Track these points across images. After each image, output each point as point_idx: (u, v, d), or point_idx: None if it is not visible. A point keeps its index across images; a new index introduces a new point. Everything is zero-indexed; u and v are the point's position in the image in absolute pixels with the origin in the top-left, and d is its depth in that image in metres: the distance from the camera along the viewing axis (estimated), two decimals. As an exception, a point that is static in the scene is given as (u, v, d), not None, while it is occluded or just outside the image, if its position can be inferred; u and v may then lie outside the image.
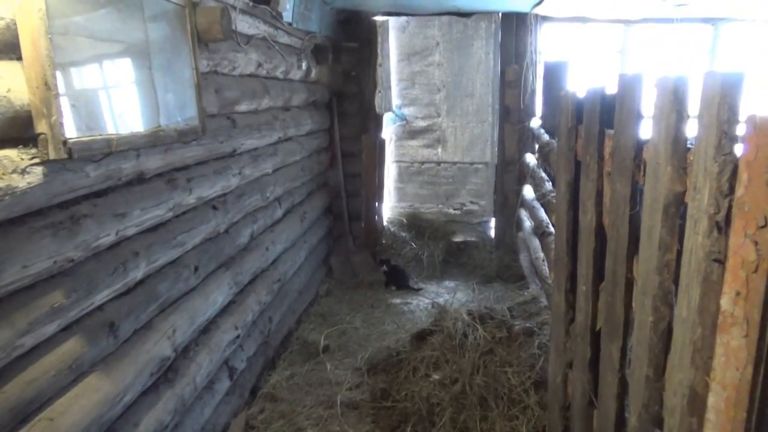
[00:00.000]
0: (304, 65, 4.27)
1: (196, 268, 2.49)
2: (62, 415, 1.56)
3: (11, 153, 1.44)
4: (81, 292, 1.68)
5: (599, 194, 1.99)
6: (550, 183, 3.67)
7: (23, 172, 1.46)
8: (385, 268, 5.03)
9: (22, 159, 1.47)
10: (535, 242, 4.09)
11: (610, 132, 1.85)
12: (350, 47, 5.30)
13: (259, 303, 3.24)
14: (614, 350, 1.81)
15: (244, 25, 3.06)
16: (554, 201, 2.92)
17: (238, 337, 2.89)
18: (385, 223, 5.70)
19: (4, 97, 1.43)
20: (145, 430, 1.97)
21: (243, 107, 3.16)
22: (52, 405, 1.55)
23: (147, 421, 2.00)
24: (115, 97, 2.11)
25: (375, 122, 5.39)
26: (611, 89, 1.84)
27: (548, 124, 4.09)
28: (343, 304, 4.54)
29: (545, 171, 3.92)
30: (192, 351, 2.43)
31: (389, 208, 5.99)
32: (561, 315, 2.37)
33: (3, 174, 1.39)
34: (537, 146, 4.43)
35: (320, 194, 5.04)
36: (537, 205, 4.09)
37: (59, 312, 1.58)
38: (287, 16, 3.67)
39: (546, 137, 3.89)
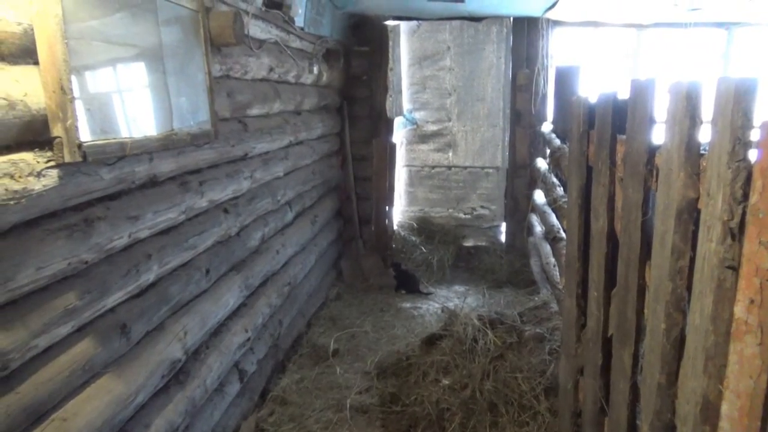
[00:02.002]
0: (315, 69, 4.29)
1: (207, 271, 2.51)
2: (75, 416, 1.58)
3: (27, 156, 1.46)
4: (94, 294, 1.70)
5: (611, 200, 1.98)
6: (562, 188, 3.65)
7: (39, 174, 1.48)
8: (394, 272, 5.03)
9: (38, 162, 1.49)
10: (546, 247, 4.07)
11: (622, 137, 1.84)
12: (361, 51, 5.32)
13: (270, 306, 3.25)
14: (626, 357, 1.80)
15: (257, 29, 3.08)
16: (565, 206, 2.90)
17: (248, 339, 2.90)
18: (395, 227, 5.70)
19: (21, 101, 1.45)
20: (156, 431, 1.99)
21: (255, 111, 3.18)
22: (65, 405, 1.57)
23: (158, 423, 2.01)
24: (129, 101, 2.14)
25: (386, 126, 5.40)
26: (623, 94, 1.84)
27: (560, 129, 4.08)
28: (353, 307, 4.54)
29: (556, 176, 3.91)
30: (203, 353, 2.44)
31: (399, 212, 5.98)
32: (572, 321, 2.35)
33: (19, 177, 1.41)
34: (548, 151, 4.41)
35: (331, 198, 5.05)
36: (548, 210, 4.07)
37: (73, 313, 1.60)
38: (299, 21, 3.69)
39: (557, 142, 3.87)
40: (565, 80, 4.11)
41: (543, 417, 2.55)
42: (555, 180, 3.87)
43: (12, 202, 1.38)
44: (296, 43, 3.88)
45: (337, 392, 3.16)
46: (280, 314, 3.49)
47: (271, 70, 3.38)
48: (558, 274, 3.45)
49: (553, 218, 3.81)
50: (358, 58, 5.33)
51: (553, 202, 3.71)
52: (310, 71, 4.22)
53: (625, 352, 1.80)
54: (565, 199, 2.97)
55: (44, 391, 1.48)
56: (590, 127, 2.21)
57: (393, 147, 5.47)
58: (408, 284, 4.93)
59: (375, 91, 5.36)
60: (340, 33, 4.87)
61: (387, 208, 5.47)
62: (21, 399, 1.40)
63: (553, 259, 3.75)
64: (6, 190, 1.36)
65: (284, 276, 3.58)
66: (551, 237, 3.69)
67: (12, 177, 1.39)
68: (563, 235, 3.38)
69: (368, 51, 5.32)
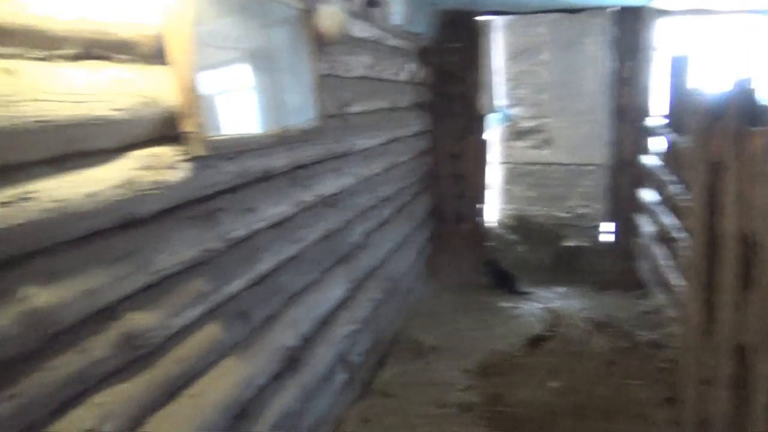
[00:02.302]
0: (411, 67, 4.31)
1: (315, 263, 2.59)
2: (205, 393, 1.67)
3: (164, 150, 1.57)
4: (220, 281, 1.80)
5: (742, 197, 1.83)
6: (677, 185, 3.40)
7: (174, 167, 1.58)
8: (491, 270, 4.94)
9: (173, 155, 1.59)
10: (658, 248, 3.81)
11: (755, 130, 1.69)
12: (455, 48, 5.26)
13: (372, 300, 3.31)
14: (766, 366, 1.64)
15: (358, 28, 3.14)
16: (683, 204, 2.71)
17: (353, 331, 2.97)
18: (491, 225, 5.60)
19: (156, 99, 1.55)
20: (272, 414, 2.07)
21: (355, 108, 3.24)
22: (195, 383, 1.66)
23: (274, 406, 2.09)
24: (244, 99, 2.24)
25: (479, 123, 5.32)
26: (754, 85, 1.69)
27: (674, 123, 3.81)
28: (450, 305, 4.50)
29: (670, 172, 3.65)
30: (313, 342, 2.51)
31: (496, 210, 5.87)
32: (696, 327, 2.19)
33: (159, 168, 1.51)
34: (658, 146, 4.15)
35: (426, 195, 5.05)
36: (660, 208, 3.82)
37: (202, 297, 1.70)
38: (396, 19, 3.73)
39: (672, 137, 3.62)
40: (680, 72, 3.85)
41: (662, 428, 2.38)
42: (669, 177, 3.62)
43: (153, 192, 1.48)
44: (393, 41, 3.92)
45: (438, 388, 3.15)
46: (381, 308, 3.53)
47: (370, 67, 3.44)
48: (673, 276, 3.22)
49: (667, 217, 3.57)
50: (452, 55, 5.27)
51: (666, 200, 3.47)
52: (407, 69, 4.25)
53: (765, 361, 1.64)
54: (683, 197, 2.77)
55: (178, 368, 1.58)
56: (713, 121, 2.05)
57: (487, 144, 5.37)
58: (505, 283, 4.83)
59: (468, 88, 5.28)
60: (435, 30, 4.87)
61: (481, 205, 5.38)
62: (159, 375, 1.50)
63: (666, 261, 3.50)
64: (148, 180, 1.47)
65: (384, 271, 3.63)
66: (664, 237, 3.45)
67: (153, 169, 1.49)
68: (679, 234, 3.15)
69: (462, 47, 5.25)
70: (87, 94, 1.30)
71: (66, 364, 1.24)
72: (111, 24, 1.40)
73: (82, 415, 1.28)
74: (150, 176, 1.48)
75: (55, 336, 1.22)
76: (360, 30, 3.20)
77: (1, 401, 1.10)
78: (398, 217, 4.11)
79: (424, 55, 4.79)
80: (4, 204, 1.11)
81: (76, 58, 1.32)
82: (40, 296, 1.17)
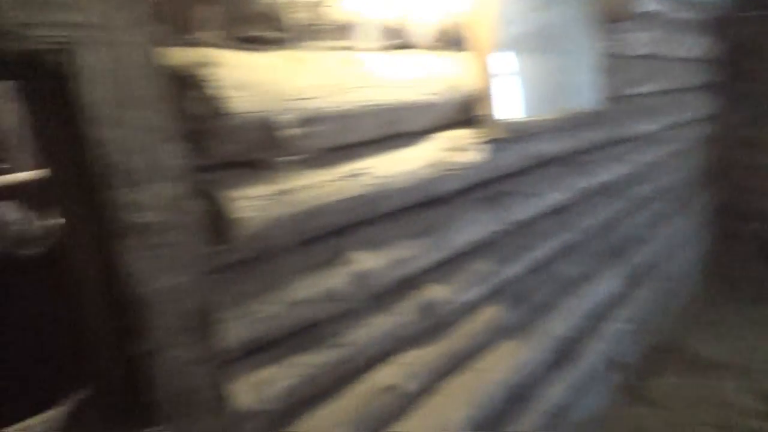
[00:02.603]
0: (701, 42, 3.78)
1: (589, 254, 2.47)
2: (487, 370, 1.73)
3: (463, 132, 1.64)
4: (501, 263, 1.83)
5: None
6: None
7: (471, 149, 1.64)
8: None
9: (470, 138, 1.65)
10: None
11: None
12: (754, 17, 4.41)
13: (647, 300, 3.05)
14: None
15: (647, 1, 2.85)
16: None
17: (626, 331, 2.77)
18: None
19: (457, 84, 1.61)
20: (543, 402, 2.06)
21: (638, 89, 2.97)
22: (478, 359, 1.73)
23: (545, 394, 2.08)
24: (528, 81, 2.22)
25: (784, 105, 4.40)
26: None
27: None
28: (738, 317, 3.84)
29: None
30: (584, 336, 2.42)
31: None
32: None
33: (460, 151, 1.58)
34: None
35: (713, 189, 4.40)
36: None
37: (485, 277, 1.75)
38: (687, -12, 3.29)
39: None
40: None
41: None
42: None
43: (454, 172, 1.56)
44: (684, 13, 3.47)
45: (724, 410, 2.73)
46: (657, 310, 3.24)
47: (656, 44, 3.12)
48: None
49: None
50: (750, 26, 4.43)
51: None
52: (696, 44, 3.73)
53: None
54: None
55: (465, 342, 1.66)
56: None
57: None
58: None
59: (768, 64, 4.40)
60: (728, -2, 4.16)
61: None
62: (450, 345, 1.60)
63: None
64: (451, 161, 1.55)
65: (662, 270, 3.30)
66: None
67: (455, 150, 1.57)
68: None
69: (763, 15, 4.37)
70: (404, 81, 1.43)
71: (380, 324, 1.40)
72: (420, 16, 1.50)
73: (390, 371, 1.43)
74: (453, 157, 1.56)
75: (374, 297, 1.38)
76: (649, 3, 2.91)
77: (330, 347, 1.29)
78: (679, 211, 3.68)
79: (716, 27, 4.14)
80: (342, 178, 1.28)
81: (395, 48, 1.45)
82: (366, 261, 1.34)
